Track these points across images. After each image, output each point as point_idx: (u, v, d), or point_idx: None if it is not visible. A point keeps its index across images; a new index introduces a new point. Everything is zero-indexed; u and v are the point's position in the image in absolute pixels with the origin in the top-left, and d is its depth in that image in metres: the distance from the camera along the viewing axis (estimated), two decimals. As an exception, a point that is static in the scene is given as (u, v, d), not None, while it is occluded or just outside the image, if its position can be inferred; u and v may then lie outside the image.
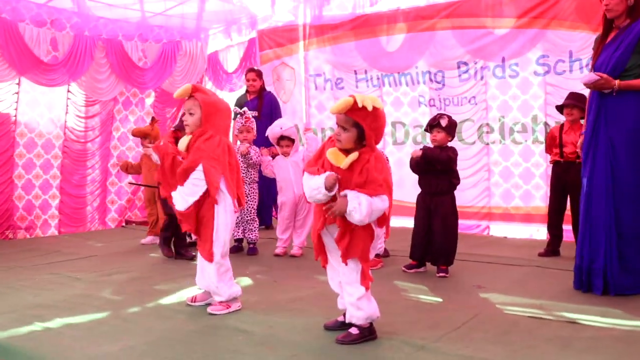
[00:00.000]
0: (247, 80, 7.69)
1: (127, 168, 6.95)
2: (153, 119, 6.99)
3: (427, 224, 4.99)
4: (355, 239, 3.11)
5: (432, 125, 4.96)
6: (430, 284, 4.64)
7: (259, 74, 7.79)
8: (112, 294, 4.37)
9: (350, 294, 3.17)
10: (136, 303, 4.10)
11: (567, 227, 5.77)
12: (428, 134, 5.14)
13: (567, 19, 6.53)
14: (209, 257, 3.76)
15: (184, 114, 3.88)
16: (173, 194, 3.75)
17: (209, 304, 3.93)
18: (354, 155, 3.05)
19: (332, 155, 3.08)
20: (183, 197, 3.69)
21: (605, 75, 4.05)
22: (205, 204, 3.73)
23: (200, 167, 3.65)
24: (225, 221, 3.77)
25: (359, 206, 2.95)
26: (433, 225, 4.95)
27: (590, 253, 4.20)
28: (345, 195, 2.99)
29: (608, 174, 4.13)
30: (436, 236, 4.93)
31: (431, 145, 5.06)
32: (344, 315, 3.32)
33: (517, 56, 6.96)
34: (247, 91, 7.78)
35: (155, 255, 6.05)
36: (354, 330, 3.19)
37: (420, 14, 7.60)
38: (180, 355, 3.01)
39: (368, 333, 3.19)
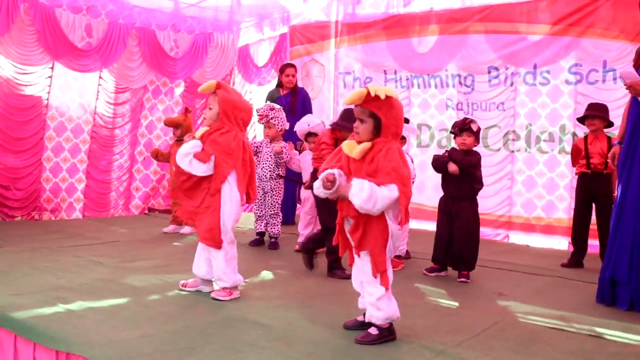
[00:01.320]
0: (287, 76, 7.48)
1: (157, 155, 7.02)
2: (186, 109, 7.02)
3: (448, 228, 4.97)
4: (368, 232, 3.13)
5: (463, 128, 4.91)
6: (451, 288, 4.61)
7: (297, 70, 7.69)
8: (134, 280, 4.40)
9: (371, 293, 3.17)
10: (157, 291, 4.13)
11: (592, 242, 5.69)
12: (452, 138, 5.11)
13: (604, 27, 6.43)
14: (218, 245, 3.92)
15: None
16: (182, 149, 3.91)
17: (199, 291, 4.14)
18: (365, 145, 3.09)
19: (347, 146, 3.15)
20: (190, 163, 3.86)
21: None
22: (211, 193, 3.90)
23: (212, 159, 3.85)
24: (230, 211, 3.95)
25: (360, 192, 2.98)
26: (454, 230, 4.92)
27: (615, 266, 4.12)
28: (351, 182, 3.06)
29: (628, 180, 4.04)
30: (457, 241, 4.90)
31: (457, 148, 5.03)
32: (364, 315, 3.32)
33: (550, 63, 6.89)
34: (279, 86, 7.64)
35: (177, 244, 6.11)
36: (373, 331, 3.18)
37: (453, 16, 7.56)
38: (199, 345, 3.03)
39: (387, 334, 3.19)
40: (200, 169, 3.85)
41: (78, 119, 7.79)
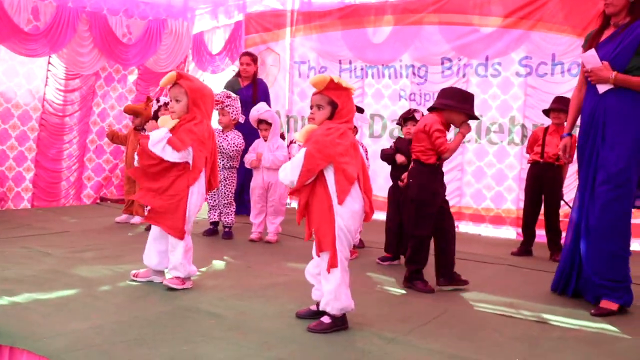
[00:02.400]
0: (242, 64, 7.30)
1: (112, 137, 6.87)
2: (148, 98, 6.89)
3: (398, 217, 5.03)
4: (310, 210, 3.21)
5: (407, 118, 4.98)
6: (403, 277, 4.66)
7: (254, 59, 7.43)
8: (83, 271, 4.32)
9: (329, 280, 3.17)
10: (107, 282, 4.06)
11: (541, 232, 5.84)
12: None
13: (553, 21, 6.59)
14: (181, 235, 3.90)
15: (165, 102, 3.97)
16: (155, 134, 3.82)
17: (150, 281, 4.11)
18: (309, 127, 3.21)
19: (298, 134, 3.26)
20: (163, 149, 3.76)
21: (606, 63, 3.77)
22: (180, 182, 3.85)
23: (189, 150, 3.81)
24: (196, 202, 3.95)
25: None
26: (404, 218, 4.98)
27: (567, 256, 4.17)
28: None
29: (593, 176, 3.91)
30: (407, 229, 4.96)
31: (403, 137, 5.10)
32: (317, 304, 3.33)
33: (501, 55, 7.01)
34: (239, 75, 7.48)
35: (129, 234, 6.02)
36: (326, 319, 3.20)
37: (408, 7, 7.61)
38: (149, 336, 2.99)
39: (340, 323, 3.21)
40: (174, 156, 3.78)
41: (26, 106, 7.55)
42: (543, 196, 5.68)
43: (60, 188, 8.01)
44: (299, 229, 6.04)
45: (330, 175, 3.13)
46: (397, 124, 5.18)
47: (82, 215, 7.15)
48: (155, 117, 5.94)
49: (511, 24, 6.88)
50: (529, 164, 5.81)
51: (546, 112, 5.70)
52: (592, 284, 3.93)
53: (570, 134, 4.23)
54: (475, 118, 4.36)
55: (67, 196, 8.08)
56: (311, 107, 3.28)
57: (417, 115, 4.93)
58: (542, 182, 5.62)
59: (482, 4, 7.06)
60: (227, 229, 6.03)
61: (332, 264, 3.13)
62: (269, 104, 7.29)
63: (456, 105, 4.17)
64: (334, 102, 3.17)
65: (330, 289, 3.16)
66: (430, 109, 4.35)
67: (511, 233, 6.96)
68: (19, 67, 7.39)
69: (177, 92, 3.89)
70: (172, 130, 3.84)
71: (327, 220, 3.13)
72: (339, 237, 3.14)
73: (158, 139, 3.78)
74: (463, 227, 7.35)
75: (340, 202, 3.10)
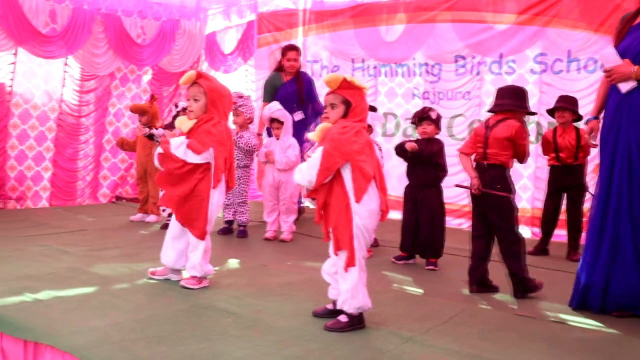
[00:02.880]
0: (289, 60, 6.65)
1: (122, 144, 6.97)
2: (152, 96, 6.95)
3: (414, 217, 5.03)
4: (328, 210, 3.22)
5: (422, 117, 4.96)
6: (419, 276, 4.67)
7: (300, 53, 6.89)
8: (101, 269, 4.37)
9: (346, 279, 3.19)
10: (125, 279, 4.11)
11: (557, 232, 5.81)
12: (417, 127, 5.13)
13: (568, 17, 6.52)
14: (203, 235, 3.94)
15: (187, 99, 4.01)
16: (174, 141, 3.87)
17: (167, 279, 4.14)
18: (324, 125, 3.25)
19: (312, 134, 3.31)
20: (185, 153, 3.81)
21: (627, 60, 3.54)
22: (203, 185, 3.88)
23: (211, 151, 3.83)
24: (217, 203, 3.99)
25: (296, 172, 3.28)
26: (420, 217, 4.98)
27: (589, 266, 3.78)
28: None
29: (624, 179, 3.62)
30: (423, 229, 4.96)
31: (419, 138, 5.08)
32: (334, 303, 3.35)
33: (516, 53, 6.95)
34: (280, 70, 6.84)
35: (145, 232, 6.06)
36: (343, 318, 3.21)
37: (421, 5, 7.59)
38: (168, 334, 3.03)
39: (357, 322, 3.22)
40: (196, 159, 3.82)
41: (44, 107, 7.65)
42: (566, 195, 5.63)
43: (77, 187, 8.11)
44: (314, 228, 6.07)
45: (347, 174, 3.14)
46: (412, 123, 5.17)
47: (99, 213, 7.22)
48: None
49: (526, 20, 6.83)
50: (549, 167, 5.77)
51: (550, 112, 5.64)
52: (619, 296, 3.68)
53: (597, 117, 3.92)
54: (533, 114, 4.42)
55: (83, 195, 8.18)
56: (325, 107, 3.30)
57: (432, 114, 4.91)
58: (563, 183, 5.55)
59: (496, 1, 7.01)
60: (241, 228, 6.06)
61: (350, 263, 3.14)
62: (315, 96, 6.89)
63: (526, 105, 4.20)
64: (348, 100, 3.20)
65: (347, 287, 3.17)
66: (499, 111, 4.23)
67: (526, 232, 6.91)
68: (37, 69, 7.49)
69: (196, 92, 3.90)
70: (190, 130, 3.86)
71: (344, 219, 3.14)
72: (356, 235, 3.15)
73: (179, 143, 3.82)
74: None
75: (358, 200, 3.12)
